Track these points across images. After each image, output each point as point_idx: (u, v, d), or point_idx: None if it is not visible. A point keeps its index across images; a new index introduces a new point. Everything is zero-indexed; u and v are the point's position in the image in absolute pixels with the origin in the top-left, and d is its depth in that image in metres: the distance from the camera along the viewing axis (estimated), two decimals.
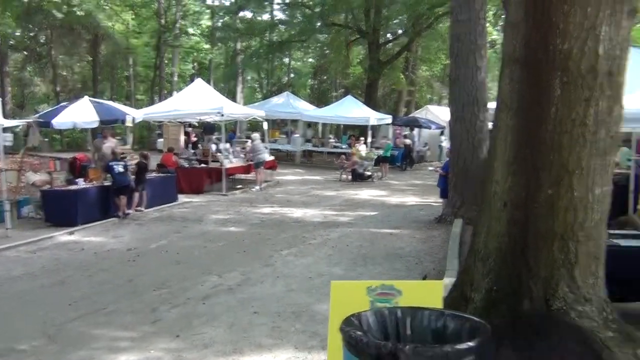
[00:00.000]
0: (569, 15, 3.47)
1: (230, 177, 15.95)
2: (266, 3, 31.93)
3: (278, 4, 32.54)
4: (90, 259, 8.04)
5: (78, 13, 25.37)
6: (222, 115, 15.24)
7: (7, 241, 8.97)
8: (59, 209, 10.43)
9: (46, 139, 24.64)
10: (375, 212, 12.15)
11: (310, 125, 27.10)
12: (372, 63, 27.54)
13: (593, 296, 3.63)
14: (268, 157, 16.81)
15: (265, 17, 35.15)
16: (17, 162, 11.93)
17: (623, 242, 5.34)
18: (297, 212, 11.94)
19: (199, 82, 17.84)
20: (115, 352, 4.77)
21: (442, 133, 23.98)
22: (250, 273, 7.21)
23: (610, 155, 3.65)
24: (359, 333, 2.40)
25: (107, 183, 11.26)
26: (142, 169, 11.73)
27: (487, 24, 14.32)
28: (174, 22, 32.15)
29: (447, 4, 18.24)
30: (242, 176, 17.03)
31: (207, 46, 36.00)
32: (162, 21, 31.49)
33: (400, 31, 30.83)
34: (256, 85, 44.67)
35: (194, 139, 21.33)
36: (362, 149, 18.80)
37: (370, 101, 25.95)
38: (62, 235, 9.63)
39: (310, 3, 29.14)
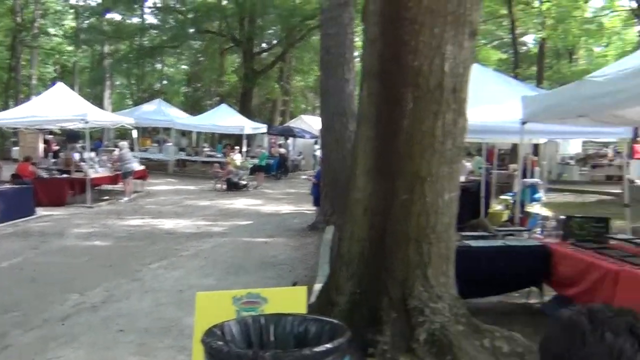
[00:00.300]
0: (418, 34, 3.76)
1: (96, 187, 15.03)
2: (135, 6, 30.71)
3: (149, 7, 31.46)
4: None
5: None
6: (87, 122, 14.35)
7: None
8: None
9: None
10: (249, 222, 12.14)
11: (184, 133, 26.45)
12: (246, 72, 27.58)
13: (445, 294, 3.94)
14: (137, 167, 16.12)
15: (135, 20, 33.78)
16: None
17: (474, 243, 5.85)
18: (168, 223, 11.57)
19: (60, 86, 16.64)
20: None
21: (316, 142, 24.61)
22: (115, 289, 6.85)
23: (457, 164, 4.00)
24: (220, 343, 2.40)
25: None
26: None
27: (357, 39, 15.01)
28: (31, 21, 29.72)
29: (318, 17, 18.82)
30: (110, 187, 16.15)
31: (70, 48, 33.72)
32: (18, 19, 28.98)
33: (274, 41, 31.23)
34: (126, 91, 42.65)
35: (55, 147, 19.86)
36: (237, 158, 18.72)
37: (245, 110, 25.96)
38: None
39: (183, 9, 28.53)
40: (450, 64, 3.80)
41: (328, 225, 10.55)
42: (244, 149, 20.65)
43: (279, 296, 3.24)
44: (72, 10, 33.00)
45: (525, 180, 12.00)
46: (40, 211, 12.40)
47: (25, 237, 10.02)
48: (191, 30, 27.96)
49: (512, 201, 10.57)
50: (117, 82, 39.54)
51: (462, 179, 12.31)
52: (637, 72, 4.42)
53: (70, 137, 22.02)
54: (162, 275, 7.53)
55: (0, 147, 26.39)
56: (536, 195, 11.28)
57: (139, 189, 16.40)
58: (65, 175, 14.74)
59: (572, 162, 23.54)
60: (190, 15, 27.75)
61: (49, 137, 19.56)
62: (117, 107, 32.00)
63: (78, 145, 20.36)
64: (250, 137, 23.33)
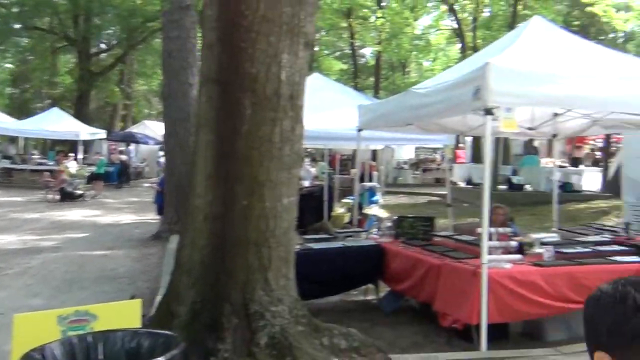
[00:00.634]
0: (255, 42, 3.81)
1: None
2: None
3: None
4: None
5: None
6: None
7: None
8: None
9: None
10: (86, 234, 11.31)
11: (13, 140, 23.88)
12: (82, 73, 25.74)
13: (285, 296, 4.01)
14: None
15: None
16: None
17: (315, 246, 6.06)
18: None
19: None
20: None
21: (160, 149, 23.73)
22: None
23: (295, 169, 4.11)
24: None
25: None
26: None
27: (200, 42, 14.77)
28: None
29: (160, 19, 18.20)
30: None
31: None
32: None
33: (114, 42, 29.53)
34: None
35: None
36: (72, 165, 17.36)
37: (82, 114, 24.19)
38: None
39: (7, 1, 25.77)
40: (287, 72, 3.90)
41: (172, 234, 10.20)
42: (80, 155, 19.21)
43: (111, 312, 3.07)
44: None
45: (364, 184, 12.72)
46: None
47: None
48: (17, 26, 25.36)
49: (353, 204, 11.13)
50: None
51: (307, 183, 12.76)
52: (453, 86, 4.93)
53: None
54: None
55: None
56: (374, 198, 12.02)
57: None
58: None
59: (406, 166, 25.50)
60: (15, 10, 25.16)
61: None
62: None
63: None
64: (87, 144, 21.77)
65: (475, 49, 17.49)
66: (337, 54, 33.32)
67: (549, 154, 16.24)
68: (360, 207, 9.98)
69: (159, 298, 5.54)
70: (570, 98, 4.61)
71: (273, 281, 3.94)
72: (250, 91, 3.86)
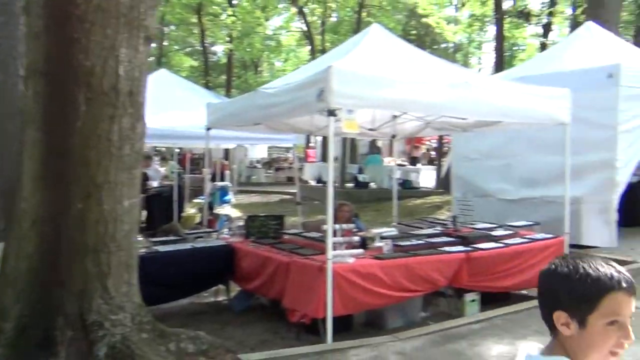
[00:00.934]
0: (89, 33, 3.55)
1: None
2: None
3: None
4: None
5: None
6: None
7: None
8: None
9: None
10: None
11: None
12: None
13: (127, 303, 3.81)
14: None
15: None
16: None
17: (162, 248, 5.84)
18: None
19: None
20: None
21: None
22: None
23: (136, 169, 3.92)
24: None
25: None
26: None
27: None
28: None
29: None
30: None
31: None
32: None
33: None
34: None
35: None
36: None
37: None
38: None
39: None
40: (126, 67, 3.69)
41: (1, 242, 9.18)
42: None
43: None
44: None
45: (215, 183, 12.56)
46: None
47: None
48: None
49: (204, 204, 10.92)
50: None
51: (156, 184, 12.24)
52: (299, 87, 5.06)
53: None
54: None
55: None
56: (226, 198, 11.92)
57: None
58: None
59: (259, 165, 25.66)
60: None
61: None
62: None
63: None
64: None
65: (324, 52, 18.13)
66: (188, 49, 32.44)
67: (390, 153, 17.40)
68: (212, 207, 9.84)
69: None
70: (406, 102, 4.97)
71: (113, 288, 3.72)
72: (85, 86, 3.59)
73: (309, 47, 24.68)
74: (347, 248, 5.13)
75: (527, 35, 23.79)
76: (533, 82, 6.25)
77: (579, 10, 15.66)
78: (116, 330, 3.59)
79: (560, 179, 6.29)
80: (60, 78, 3.63)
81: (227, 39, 23.90)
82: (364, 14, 20.24)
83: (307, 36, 23.25)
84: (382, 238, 5.60)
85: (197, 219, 10.40)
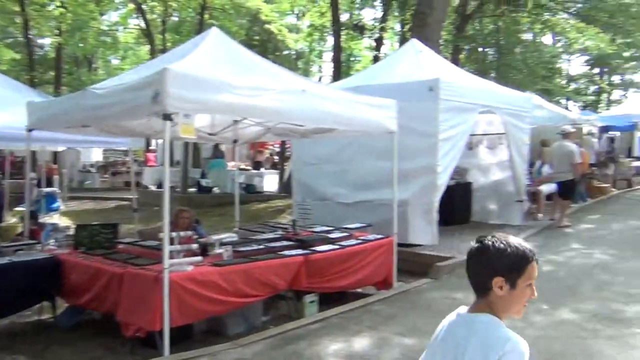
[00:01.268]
0: None
1: None
2: None
3: None
4: None
5: None
6: None
7: None
8: None
9: None
10: None
11: None
12: None
13: None
14: None
15: None
16: None
17: None
18: None
19: None
20: None
21: None
22: None
23: None
24: None
25: None
26: None
27: None
28: None
29: None
30: None
31: None
32: None
33: None
34: None
35: None
36: None
37: None
38: None
39: None
40: None
41: None
42: None
43: None
44: None
45: (41, 189, 11.47)
46: None
47: None
48: None
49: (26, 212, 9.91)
50: None
51: None
52: (131, 88, 4.81)
53: None
54: None
55: None
56: (54, 205, 10.95)
57: None
58: None
59: (93, 169, 23.95)
60: None
61: None
62: None
63: None
64: None
65: (165, 52, 17.51)
66: (9, 40, 29.17)
67: (233, 157, 17.34)
68: (36, 216, 8.95)
69: None
70: (244, 107, 4.98)
71: None
72: None
73: (149, 46, 23.64)
74: (186, 256, 4.99)
75: (362, 47, 25.34)
76: (366, 92, 6.65)
77: (406, 28, 17.04)
78: None
79: (390, 183, 6.78)
80: None
81: (56, 31, 21.93)
82: (206, 16, 19.93)
83: (147, 34, 22.24)
84: (222, 244, 5.55)
85: (19, 230, 9.38)
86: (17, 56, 28.46)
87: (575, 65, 41.07)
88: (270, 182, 17.96)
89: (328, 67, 32.10)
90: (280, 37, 20.96)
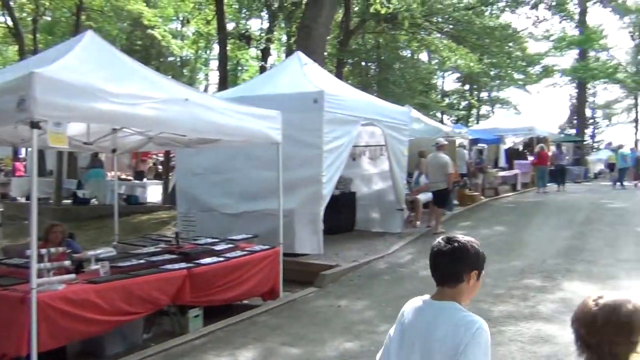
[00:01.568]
0: None
1: None
2: None
3: None
4: None
5: None
6: None
7: None
8: None
9: None
10: None
11: None
12: None
13: None
14: None
15: None
16: None
17: None
18: None
19: None
20: None
21: None
22: None
23: None
24: None
25: None
26: None
27: None
28: None
29: None
30: None
31: None
32: None
33: None
34: None
35: None
36: None
37: None
38: None
39: None
40: None
41: None
42: None
43: None
44: None
45: None
46: None
47: None
48: None
49: None
50: None
51: None
52: None
53: None
54: None
55: None
56: None
57: None
58: None
59: None
60: None
61: None
62: None
63: None
64: None
65: (36, 53, 16.27)
66: None
67: (113, 167, 16.50)
68: None
69: None
70: (121, 116, 4.75)
71: None
72: None
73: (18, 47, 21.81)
74: (57, 274, 4.66)
75: (249, 57, 25.31)
76: (251, 102, 6.65)
77: (292, 40, 17.29)
78: None
79: (275, 193, 6.82)
80: None
81: None
82: (83, 17, 18.81)
83: (15, 34, 20.51)
84: (99, 260, 5.24)
85: None
86: None
87: (448, 81, 44.07)
88: (153, 192, 17.28)
89: (215, 76, 31.67)
90: (164, 43, 20.30)
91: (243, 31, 21.84)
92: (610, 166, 27.27)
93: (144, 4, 19.03)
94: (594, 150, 41.56)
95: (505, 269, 7.67)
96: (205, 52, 30.79)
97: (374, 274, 7.89)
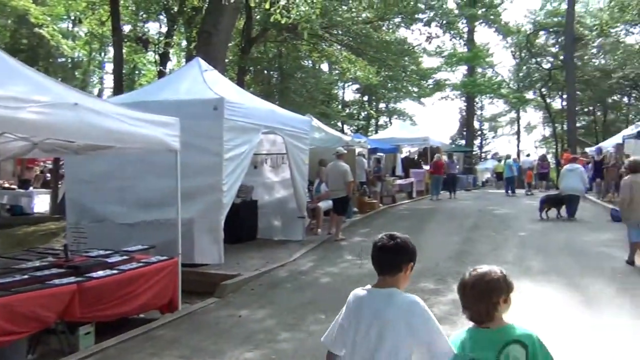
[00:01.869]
0: None
1: None
2: None
3: None
4: None
5: None
6: None
7: None
8: None
9: None
10: None
11: None
12: None
13: None
14: None
15: None
16: None
17: None
18: None
19: None
20: None
21: None
22: None
23: None
24: None
25: None
26: None
27: None
28: None
29: None
30: None
31: None
32: None
33: None
34: None
35: None
36: None
37: None
38: None
39: None
40: None
41: None
42: None
43: None
44: None
45: None
46: None
47: None
48: None
49: None
50: None
51: None
52: None
53: None
54: None
55: None
56: None
57: None
58: None
59: None
60: None
61: None
62: None
63: None
64: None
65: None
66: None
67: None
68: None
69: None
70: (1, 120, 4.39)
71: None
72: None
73: None
74: None
75: (146, 61, 24.46)
76: (149, 108, 6.40)
77: (192, 45, 16.95)
78: None
79: (174, 201, 6.60)
80: None
81: None
82: None
83: None
84: None
85: None
86: None
87: (348, 92, 45.32)
88: (41, 202, 16.13)
89: (110, 80, 30.25)
90: (53, 43, 19.09)
91: (140, 34, 21.07)
92: (498, 175, 29.39)
93: (31, 1, 17.81)
94: (482, 160, 44.56)
95: None
96: (100, 55, 29.38)
97: (275, 282, 7.88)
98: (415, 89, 34.94)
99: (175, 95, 8.49)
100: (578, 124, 39.70)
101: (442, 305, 6.43)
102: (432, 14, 23.62)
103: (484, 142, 56.16)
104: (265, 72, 27.85)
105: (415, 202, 19.91)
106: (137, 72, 28.57)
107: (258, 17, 20.64)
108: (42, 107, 4.51)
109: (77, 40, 23.39)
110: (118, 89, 16.30)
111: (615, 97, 42.30)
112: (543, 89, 43.43)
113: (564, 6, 33.84)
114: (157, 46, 20.71)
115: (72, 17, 23.63)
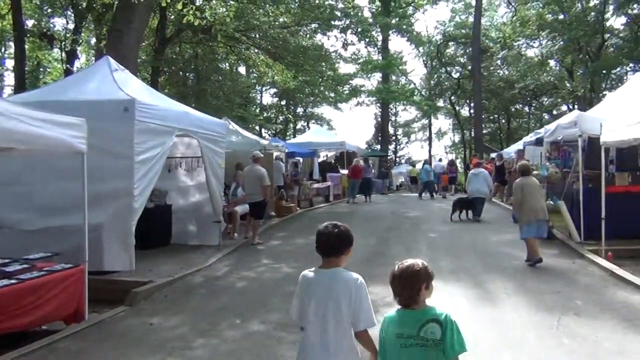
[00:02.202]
0: None
1: None
2: None
3: None
4: None
5: None
6: None
7: None
8: None
9: None
10: None
11: None
12: None
13: None
14: None
15: None
16: None
17: None
18: None
19: None
20: None
21: None
22: None
23: None
24: None
25: None
26: None
27: None
28: None
29: None
30: None
31: None
32: None
33: None
34: None
35: None
36: None
37: None
38: None
39: None
40: None
41: None
42: None
43: None
44: None
45: None
46: None
47: None
48: None
49: None
50: None
51: None
52: None
53: None
54: None
55: None
56: None
57: None
58: None
59: None
60: None
61: None
62: None
63: None
64: None
65: None
66: None
67: None
68: None
69: None
70: None
71: None
72: None
73: None
74: None
75: (52, 58, 23.14)
76: (54, 108, 6.03)
77: (103, 43, 16.24)
78: None
79: (81, 206, 6.28)
80: None
81: None
82: None
83: None
84: None
85: None
86: None
87: (266, 96, 45.26)
88: None
89: (11, 77, 28.35)
90: None
91: (45, 30, 19.90)
92: (412, 179, 30.43)
93: None
94: (396, 164, 46.02)
95: None
96: (0, 50, 27.51)
97: (189, 288, 7.71)
98: (332, 95, 35.48)
99: (82, 95, 8.09)
100: (484, 131, 42.12)
101: None
102: (347, 21, 24.10)
103: (398, 147, 58.09)
104: (181, 73, 27.20)
105: (332, 205, 20.19)
106: (41, 69, 26.98)
107: (172, 17, 20.14)
108: None
109: None
110: (20, 87, 15.32)
111: (517, 106, 45.27)
112: (452, 97, 45.65)
113: (472, 19, 35.74)
114: (63, 43, 19.62)
115: None
